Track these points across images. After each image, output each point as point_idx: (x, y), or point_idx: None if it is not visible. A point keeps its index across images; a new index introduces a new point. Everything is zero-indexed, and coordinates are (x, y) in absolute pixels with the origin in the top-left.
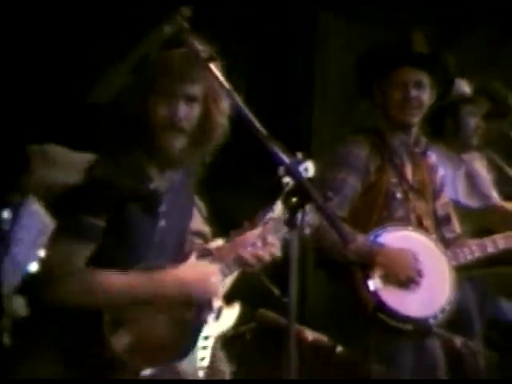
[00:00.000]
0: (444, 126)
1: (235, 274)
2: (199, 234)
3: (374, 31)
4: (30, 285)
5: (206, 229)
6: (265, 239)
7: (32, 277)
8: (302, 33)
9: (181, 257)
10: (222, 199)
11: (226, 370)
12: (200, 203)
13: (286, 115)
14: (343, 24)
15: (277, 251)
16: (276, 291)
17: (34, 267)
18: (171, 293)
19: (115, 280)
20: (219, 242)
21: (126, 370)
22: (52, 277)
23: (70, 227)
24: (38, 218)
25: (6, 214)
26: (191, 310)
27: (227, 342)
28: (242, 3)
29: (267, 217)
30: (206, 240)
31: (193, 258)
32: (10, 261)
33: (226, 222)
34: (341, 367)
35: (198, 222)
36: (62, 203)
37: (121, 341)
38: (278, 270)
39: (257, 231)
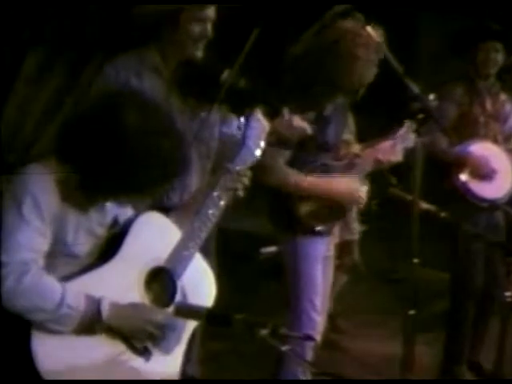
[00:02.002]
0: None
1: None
2: (345, 141)
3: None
4: (254, 167)
5: (351, 137)
6: (394, 147)
7: (256, 161)
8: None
9: (337, 155)
10: (363, 117)
11: (357, 227)
12: (351, 120)
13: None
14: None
15: (400, 157)
16: (394, 180)
17: (258, 153)
18: (336, 194)
19: (298, 177)
20: (357, 147)
21: (305, 226)
22: (266, 164)
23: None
24: (260, 122)
25: (242, 119)
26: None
27: (359, 211)
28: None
29: (398, 132)
30: (349, 145)
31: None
32: (246, 149)
33: (365, 134)
34: (445, 224)
35: (347, 133)
36: None
37: (304, 208)
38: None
39: (389, 142)
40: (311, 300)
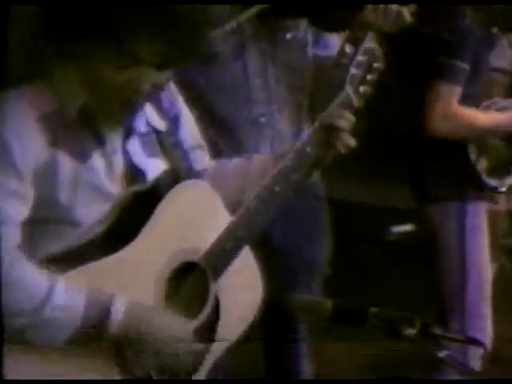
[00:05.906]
0: None
1: None
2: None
3: None
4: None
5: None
6: None
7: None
8: None
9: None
10: None
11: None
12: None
13: None
14: None
15: None
16: None
17: (358, 103)
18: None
19: (484, 117)
20: None
21: (487, 186)
22: (439, 112)
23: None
24: (370, 53)
25: (348, 49)
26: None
27: None
28: None
29: None
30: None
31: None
32: (343, 94)
33: None
34: None
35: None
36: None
37: (483, 163)
38: None
39: None
40: (481, 291)
